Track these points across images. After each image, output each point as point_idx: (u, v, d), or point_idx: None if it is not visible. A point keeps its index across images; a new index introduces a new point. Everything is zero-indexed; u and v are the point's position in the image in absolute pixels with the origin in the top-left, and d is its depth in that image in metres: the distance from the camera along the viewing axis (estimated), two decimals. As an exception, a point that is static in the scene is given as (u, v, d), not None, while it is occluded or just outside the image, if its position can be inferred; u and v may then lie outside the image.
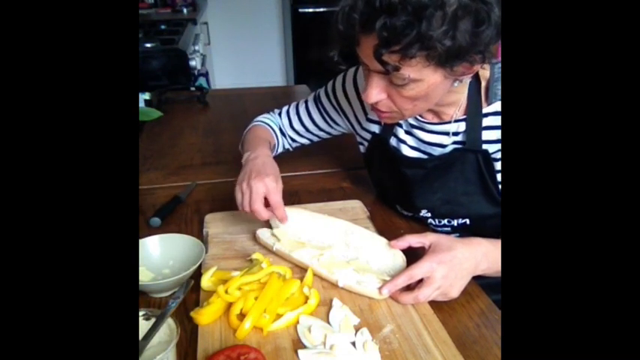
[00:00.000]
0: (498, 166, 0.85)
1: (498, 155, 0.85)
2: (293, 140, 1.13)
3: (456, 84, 0.77)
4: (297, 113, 1.10)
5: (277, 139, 1.10)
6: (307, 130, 1.10)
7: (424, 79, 0.71)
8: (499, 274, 0.78)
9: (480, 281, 0.82)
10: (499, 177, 0.86)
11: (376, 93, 0.76)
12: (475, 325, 0.71)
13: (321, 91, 1.07)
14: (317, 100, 1.08)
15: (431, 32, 0.64)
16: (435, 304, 0.74)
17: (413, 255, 0.80)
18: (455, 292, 0.74)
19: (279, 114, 1.13)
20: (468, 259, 0.74)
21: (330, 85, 1.05)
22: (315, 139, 1.13)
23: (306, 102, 1.10)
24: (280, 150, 1.14)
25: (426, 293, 0.72)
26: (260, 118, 1.13)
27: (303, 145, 1.15)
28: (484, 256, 0.76)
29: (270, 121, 1.12)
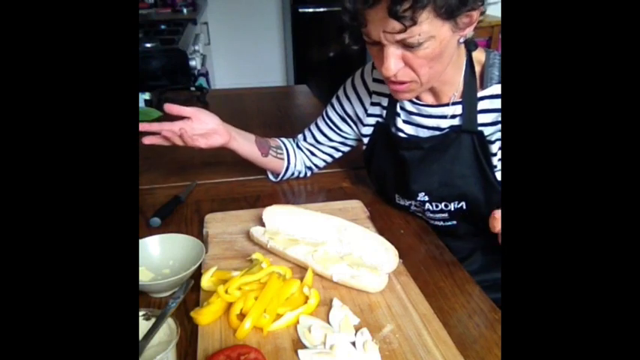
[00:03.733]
0: (493, 148, 0.88)
1: (493, 137, 0.88)
2: (312, 154, 1.16)
3: (461, 40, 0.81)
4: (310, 129, 1.15)
5: (286, 147, 1.14)
6: (319, 142, 1.13)
7: (435, 35, 0.75)
8: None
9: (478, 278, 0.82)
10: (494, 160, 0.89)
11: (395, 62, 0.79)
12: (475, 325, 0.71)
13: (328, 105, 1.12)
14: (324, 114, 1.13)
15: None
16: (435, 304, 0.74)
17: (407, 251, 0.80)
18: None
19: (297, 136, 1.18)
20: None
21: (334, 98, 1.11)
22: (334, 152, 1.15)
23: (317, 118, 1.15)
24: (298, 166, 1.16)
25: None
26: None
27: (325, 162, 1.17)
28: None
29: (284, 138, 1.17)
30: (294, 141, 1.17)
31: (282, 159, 1.12)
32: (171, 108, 0.96)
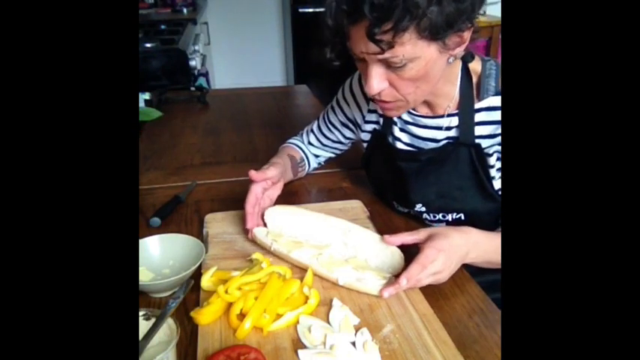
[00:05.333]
0: (491, 160, 0.87)
1: (491, 150, 0.87)
2: (316, 156, 1.17)
3: (450, 60, 0.78)
4: (312, 131, 1.15)
5: (305, 154, 1.16)
6: (323, 144, 1.14)
7: (420, 55, 0.72)
8: (488, 265, 0.81)
9: (478, 279, 0.82)
10: (492, 172, 0.88)
11: (378, 82, 0.77)
12: (475, 325, 0.71)
13: (328, 107, 1.13)
14: (325, 115, 1.13)
15: (417, 1, 0.66)
16: (435, 304, 0.74)
17: (407, 251, 0.80)
18: (445, 277, 0.76)
19: (302, 134, 1.18)
20: (461, 246, 0.77)
21: (333, 101, 1.11)
22: (337, 151, 1.17)
23: (318, 119, 1.15)
24: (313, 165, 1.18)
25: (422, 278, 0.73)
26: (289, 140, 1.19)
27: (330, 159, 1.19)
28: (475, 244, 0.79)
29: (296, 140, 1.18)
30: (301, 142, 1.17)
31: (304, 169, 1.15)
32: (256, 176, 0.91)
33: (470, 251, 0.78)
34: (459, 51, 0.78)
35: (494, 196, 0.89)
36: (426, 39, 0.70)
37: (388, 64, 0.74)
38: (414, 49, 0.71)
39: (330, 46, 0.79)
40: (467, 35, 0.75)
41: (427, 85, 0.79)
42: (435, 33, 0.70)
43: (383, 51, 0.70)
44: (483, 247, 0.79)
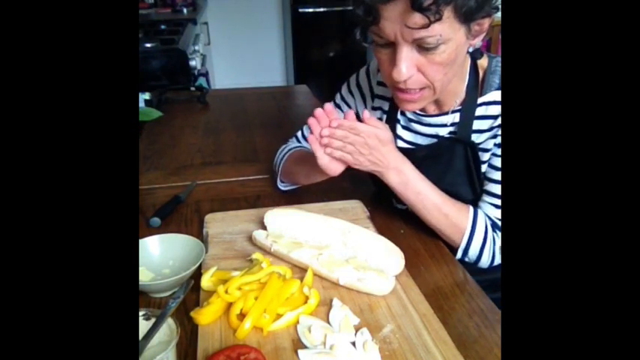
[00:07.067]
0: (484, 157, 0.88)
1: (486, 146, 0.87)
2: None
3: (470, 49, 0.80)
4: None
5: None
6: None
7: (453, 37, 0.73)
8: (419, 197, 0.86)
9: (478, 279, 0.82)
10: (484, 167, 0.89)
11: (407, 66, 0.75)
12: (475, 325, 0.71)
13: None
14: None
15: None
16: (435, 304, 0.74)
17: (407, 251, 0.80)
18: (363, 160, 0.84)
19: (296, 138, 1.14)
20: (386, 155, 0.84)
21: (337, 97, 1.10)
22: None
23: None
24: None
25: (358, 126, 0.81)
26: (288, 146, 1.13)
27: None
28: (412, 169, 0.86)
29: (293, 144, 1.13)
30: (298, 142, 1.14)
31: None
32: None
33: (406, 164, 0.85)
34: (478, 41, 0.79)
35: (478, 190, 0.90)
36: (459, 20, 0.71)
37: (420, 47, 0.74)
38: (450, 30, 0.72)
39: (361, 27, 0.78)
40: (487, 24, 0.76)
41: (452, 73, 0.80)
42: (469, 14, 0.71)
43: (429, 22, 0.69)
44: (419, 176, 0.86)
